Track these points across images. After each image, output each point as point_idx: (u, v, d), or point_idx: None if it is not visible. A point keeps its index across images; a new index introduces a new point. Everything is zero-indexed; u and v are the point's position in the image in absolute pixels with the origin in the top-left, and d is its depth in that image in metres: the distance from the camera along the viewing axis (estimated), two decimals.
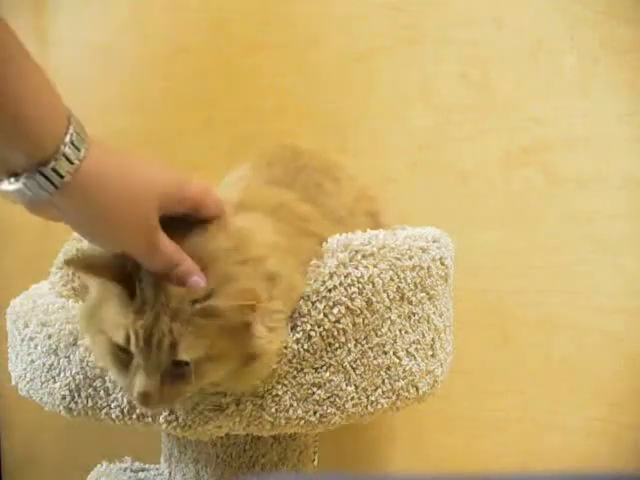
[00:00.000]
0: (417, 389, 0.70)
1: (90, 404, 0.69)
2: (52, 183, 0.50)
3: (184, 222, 0.60)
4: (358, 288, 0.65)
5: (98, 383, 0.68)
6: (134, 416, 0.67)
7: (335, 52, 1.13)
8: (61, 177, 0.50)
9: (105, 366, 0.65)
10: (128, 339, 0.57)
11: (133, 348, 0.57)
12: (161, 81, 1.18)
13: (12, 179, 0.50)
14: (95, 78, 1.20)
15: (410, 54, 1.10)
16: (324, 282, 0.65)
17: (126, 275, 0.57)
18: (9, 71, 0.47)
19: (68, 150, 0.49)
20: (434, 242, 0.74)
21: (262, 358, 0.61)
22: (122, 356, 0.59)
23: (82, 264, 0.60)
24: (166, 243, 0.57)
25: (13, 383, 0.78)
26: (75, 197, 0.51)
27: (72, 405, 0.70)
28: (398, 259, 0.69)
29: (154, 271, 0.57)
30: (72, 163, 0.50)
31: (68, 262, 0.64)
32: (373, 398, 0.67)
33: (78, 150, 0.50)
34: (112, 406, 0.68)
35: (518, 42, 1.05)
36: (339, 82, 1.14)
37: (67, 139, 0.50)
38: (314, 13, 1.14)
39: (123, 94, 1.19)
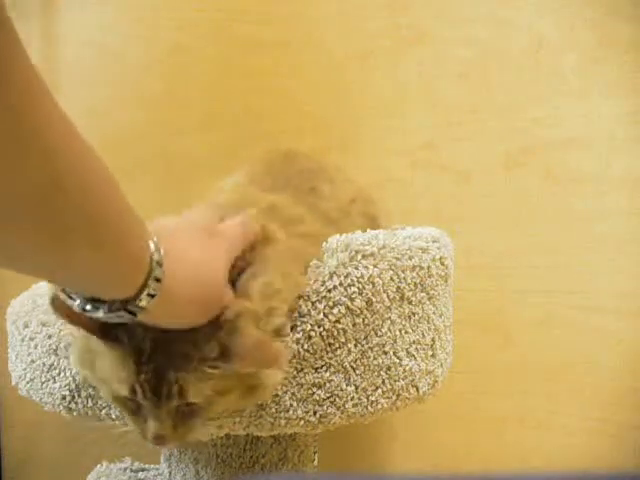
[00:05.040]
0: (417, 389, 0.70)
1: (90, 404, 0.69)
2: (140, 307, 0.48)
3: None
4: (358, 288, 0.65)
5: None
6: None
7: (335, 52, 1.13)
8: (149, 300, 0.48)
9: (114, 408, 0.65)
10: (134, 392, 0.56)
11: (140, 399, 0.56)
12: (161, 81, 1.18)
13: (89, 305, 0.49)
14: (96, 78, 1.20)
15: (410, 54, 1.10)
16: (324, 282, 0.65)
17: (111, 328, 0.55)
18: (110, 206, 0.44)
19: (152, 282, 0.47)
20: (434, 242, 0.74)
21: (264, 389, 0.61)
22: (130, 403, 0.58)
23: (66, 312, 0.54)
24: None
25: (13, 383, 0.78)
26: (157, 313, 0.50)
27: (72, 405, 0.70)
28: (398, 259, 0.68)
29: None
30: (153, 295, 0.48)
31: (56, 308, 0.55)
32: (373, 398, 0.67)
33: (160, 266, 0.48)
34: (112, 406, 0.68)
35: (518, 42, 1.05)
36: (339, 82, 1.14)
37: (152, 267, 0.47)
38: (314, 13, 1.14)
39: (123, 94, 1.19)
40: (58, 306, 0.54)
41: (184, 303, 0.52)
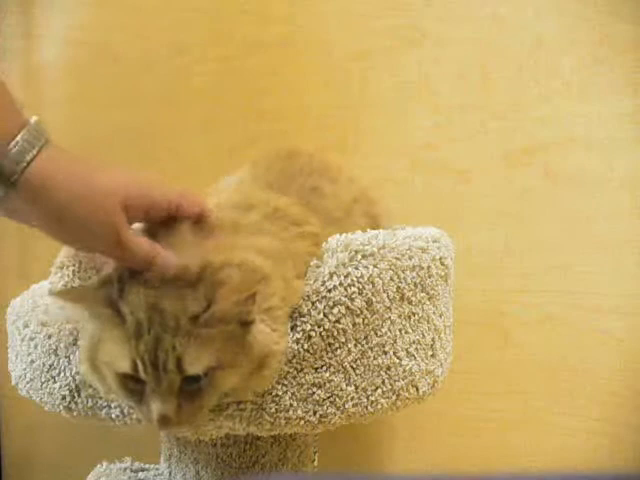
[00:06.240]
0: (417, 389, 0.70)
1: (90, 404, 0.69)
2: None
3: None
4: (358, 288, 0.65)
5: None
6: (134, 416, 0.67)
7: (335, 52, 1.13)
8: (7, 179, 0.54)
9: (121, 401, 0.65)
10: (135, 366, 0.57)
11: (142, 374, 0.57)
12: (161, 81, 1.18)
13: None
14: (95, 78, 1.20)
15: (410, 54, 1.10)
16: (324, 282, 0.65)
17: (114, 303, 0.58)
18: None
19: (13, 154, 0.54)
20: (434, 242, 0.74)
21: (270, 360, 0.61)
22: (134, 386, 0.59)
23: (70, 295, 0.63)
24: (135, 240, 0.59)
25: (13, 383, 0.78)
26: (25, 198, 0.55)
27: (72, 405, 0.70)
28: (398, 259, 0.69)
29: (132, 268, 0.59)
30: (18, 164, 0.54)
31: (58, 294, 0.64)
32: (373, 398, 0.67)
33: (24, 154, 0.54)
34: (112, 406, 0.68)
35: (518, 42, 1.05)
36: (339, 82, 1.14)
37: (12, 144, 0.54)
38: (314, 13, 1.14)
39: (123, 94, 1.19)
40: (64, 293, 0.62)
41: (58, 199, 0.56)
